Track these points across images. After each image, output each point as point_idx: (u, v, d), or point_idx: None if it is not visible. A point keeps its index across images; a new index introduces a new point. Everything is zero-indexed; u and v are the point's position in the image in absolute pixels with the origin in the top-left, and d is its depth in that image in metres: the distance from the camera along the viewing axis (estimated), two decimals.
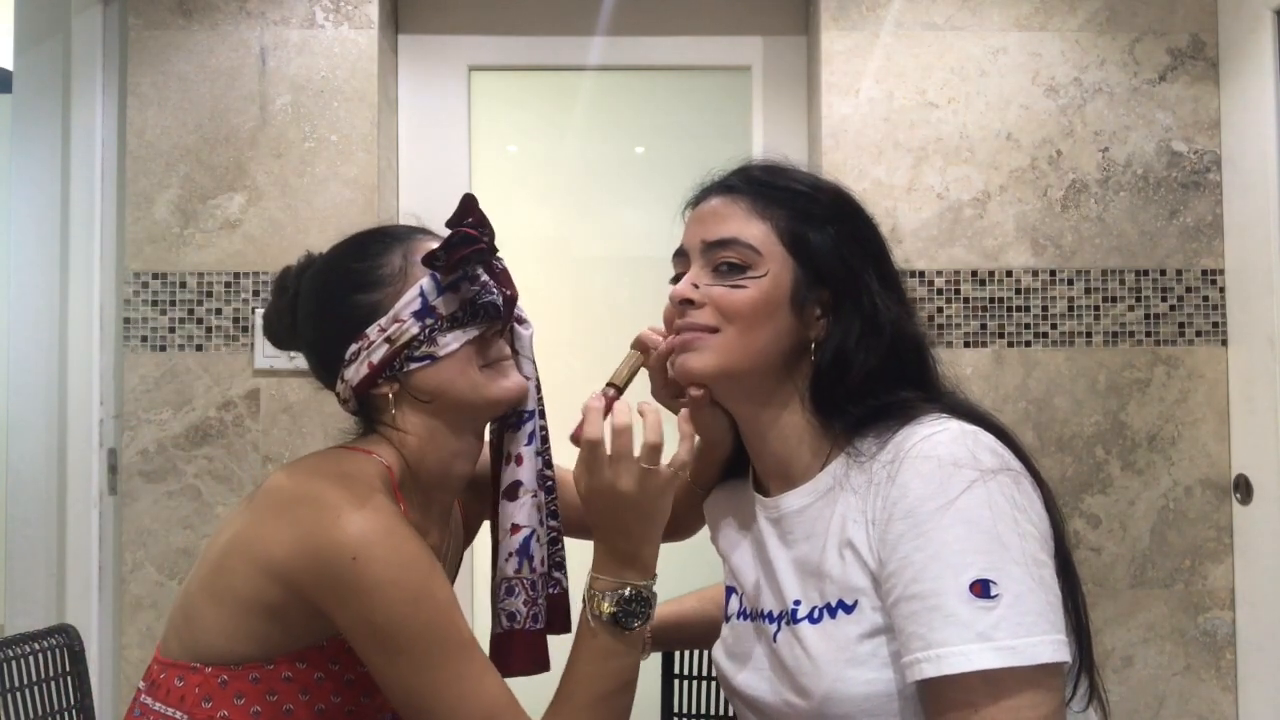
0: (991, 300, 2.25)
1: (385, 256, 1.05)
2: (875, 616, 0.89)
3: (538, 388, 1.18)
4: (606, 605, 0.98)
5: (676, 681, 1.74)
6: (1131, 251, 2.26)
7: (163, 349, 2.20)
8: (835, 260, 0.99)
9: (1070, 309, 2.25)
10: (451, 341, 1.03)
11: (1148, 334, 2.26)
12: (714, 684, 1.69)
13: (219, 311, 2.19)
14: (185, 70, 2.22)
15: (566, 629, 1.14)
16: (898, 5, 2.27)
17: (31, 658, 1.57)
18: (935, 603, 0.83)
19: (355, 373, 1.04)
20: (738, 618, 1.07)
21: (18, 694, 1.54)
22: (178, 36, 2.22)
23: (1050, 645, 0.81)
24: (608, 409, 0.99)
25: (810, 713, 0.91)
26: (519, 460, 1.11)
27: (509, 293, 1.08)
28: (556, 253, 2.53)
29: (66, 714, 1.60)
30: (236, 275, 2.19)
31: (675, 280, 1.04)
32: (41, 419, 2.26)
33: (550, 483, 1.16)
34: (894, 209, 2.24)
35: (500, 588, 1.10)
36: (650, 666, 1.80)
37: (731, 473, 1.14)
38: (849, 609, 0.91)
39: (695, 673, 1.74)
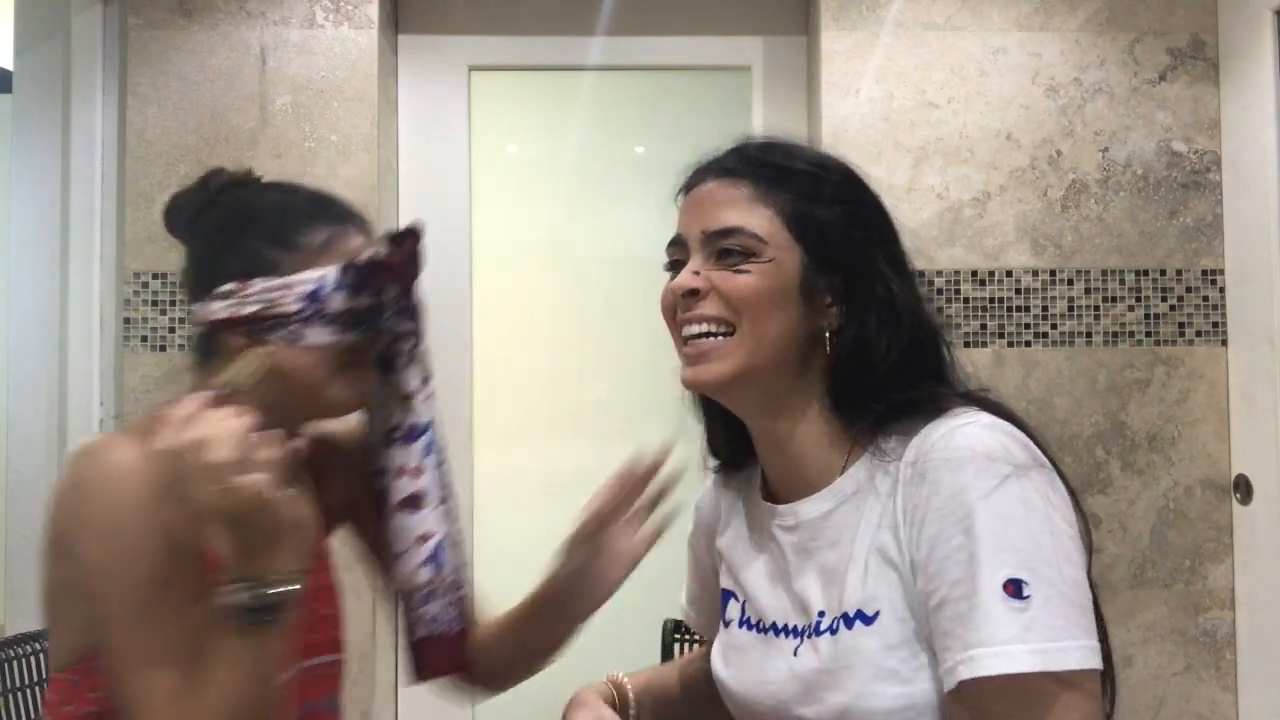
0: (991, 300, 2.25)
1: (313, 227, 1.03)
2: (899, 629, 0.86)
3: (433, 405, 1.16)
4: (232, 600, 0.88)
5: None
6: (1131, 251, 2.26)
7: (163, 349, 2.20)
8: (845, 244, 0.93)
9: (1070, 309, 2.25)
10: (321, 336, 0.99)
11: (1148, 334, 2.26)
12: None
13: None
14: (185, 70, 2.22)
15: (472, 630, 1.19)
16: (898, 5, 2.27)
17: (32, 658, 1.58)
18: (973, 602, 0.80)
19: (220, 309, 1.00)
20: (740, 626, 1.02)
21: (18, 694, 1.55)
22: (178, 36, 2.22)
23: (1079, 651, 0.79)
24: (199, 408, 0.86)
25: None
26: (418, 472, 1.11)
27: (410, 327, 1.06)
28: (556, 253, 2.52)
29: None
30: None
31: (670, 267, 0.99)
32: (41, 419, 2.26)
33: (450, 490, 1.16)
34: (894, 209, 2.22)
35: (415, 596, 1.12)
36: (649, 665, 1.80)
37: (731, 461, 1.09)
38: (869, 620, 0.87)
39: None
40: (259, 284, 0.99)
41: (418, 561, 1.11)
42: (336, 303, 0.99)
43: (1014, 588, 0.79)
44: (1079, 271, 2.26)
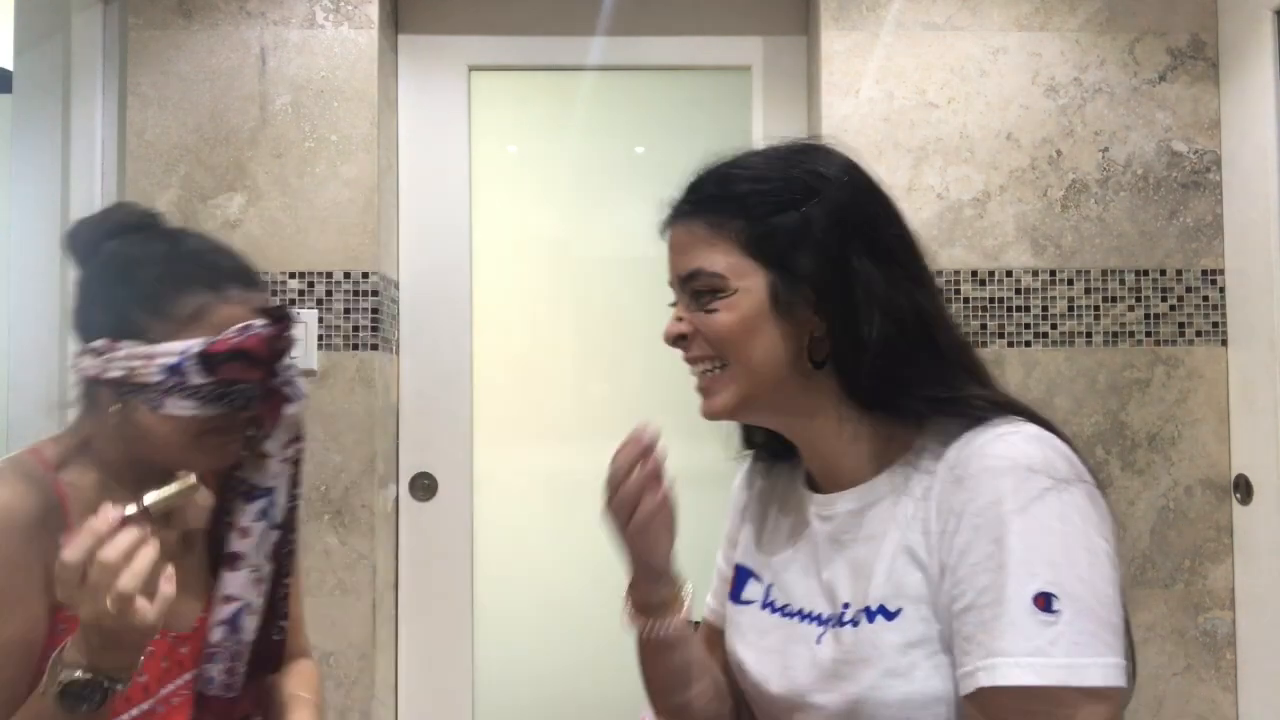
0: (991, 300, 2.25)
1: (185, 295, 1.02)
2: (920, 627, 0.86)
3: (297, 468, 1.16)
4: (64, 677, 0.91)
5: None
6: (1131, 251, 2.26)
7: None
8: (806, 252, 0.92)
9: (1070, 309, 2.25)
10: (180, 408, 1.00)
11: (1148, 334, 2.25)
12: None
13: None
14: (185, 70, 2.22)
15: (278, 668, 1.21)
16: (898, 5, 2.27)
17: None
18: (1000, 611, 0.80)
19: (90, 366, 1.03)
20: (763, 608, 1.03)
21: None
22: (178, 36, 2.22)
23: (1102, 668, 0.78)
24: (115, 531, 0.88)
25: (835, 713, 0.90)
26: (245, 532, 1.11)
27: (277, 402, 1.06)
28: (556, 253, 2.52)
29: None
30: None
31: (674, 304, 1.01)
32: (42, 419, 2.25)
33: (280, 561, 1.15)
34: None
35: (203, 650, 1.11)
36: None
37: (769, 454, 1.10)
38: (890, 615, 0.88)
39: None
40: (125, 348, 1.01)
41: (215, 619, 1.11)
42: (195, 379, 1.00)
43: (1044, 601, 0.79)
44: (1079, 271, 2.26)
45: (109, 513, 0.89)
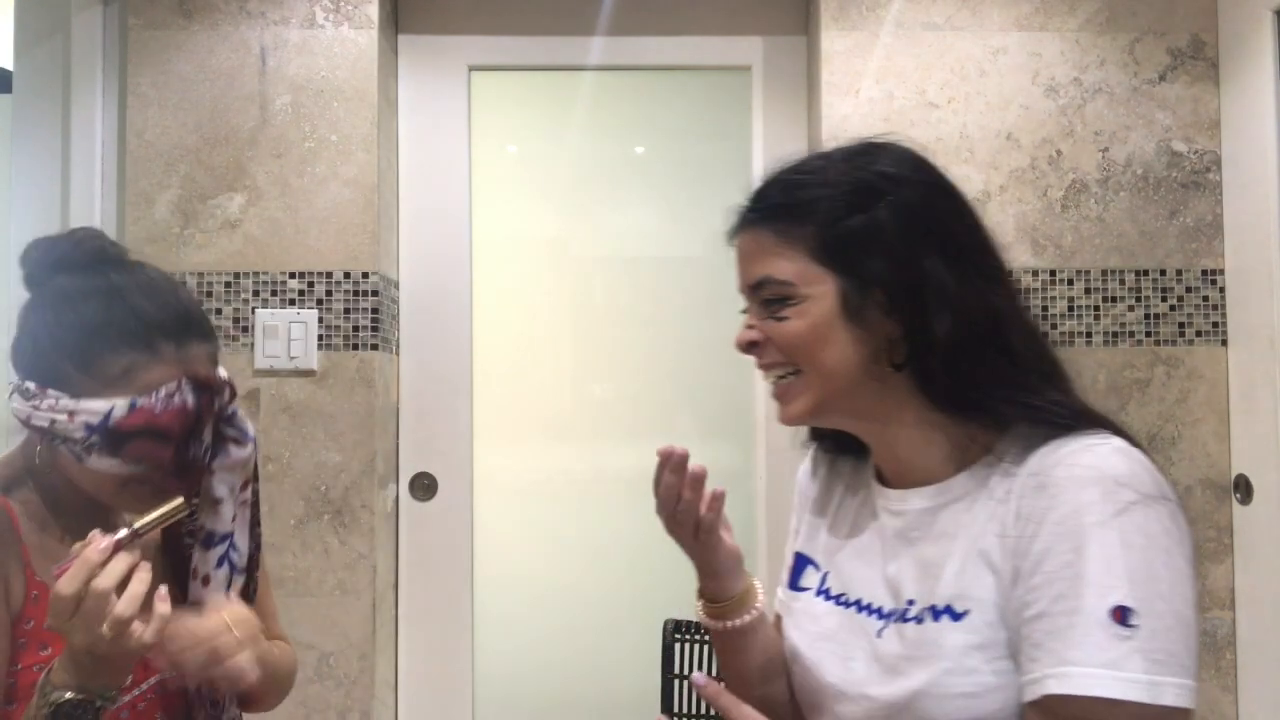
0: None
1: (119, 353, 0.99)
2: (986, 631, 0.86)
3: (254, 509, 1.15)
4: (54, 698, 0.92)
5: (676, 682, 1.74)
6: (1131, 251, 2.26)
7: None
8: (876, 256, 0.91)
9: (1070, 309, 2.25)
10: (103, 464, 0.99)
11: (1148, 334, 2.26)
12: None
13: (219, 311, 2.19)
14: (185, 70, 2.22)
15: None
16: (898, 5, 2.27)
17: None
18: (1075, 620, 0.80)
19: (19, 408, 1.02)
20: (818, 595, 1.03)
21: None
22: (178, 36, 2.22)
23: (1175, 689, 0.78)
24: (107, 558, 0.89)
25: (889, 706, 0.89)
26: (206, 580, 1.11)
27: (184, 490, 1.03)
28: (556, 253, 2.53)
29: None
30: (236, 275, 2.19)
31: (746, 311, 1.02)
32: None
33: (251, 599, 1.15)
34: None
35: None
36: (649, 665, 1.81)
37: (837, 449, 1.09)
38: (957, 616, 0.87)
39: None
40: (51, 398, 0.99)
41: None
42: (116, 440, 0.99)
43: (1121, 615, 0.79)
44: (1079, 271, 2.26)
45: (100, 541, 0.89)
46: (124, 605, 0.87)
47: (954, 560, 0.90)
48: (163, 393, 1.00)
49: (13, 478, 1.07)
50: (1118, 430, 0.90)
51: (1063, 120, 2.26)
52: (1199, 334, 2.26)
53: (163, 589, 0.91)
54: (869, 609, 0.97)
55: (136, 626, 0.88)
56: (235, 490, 1.10)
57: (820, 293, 0.93)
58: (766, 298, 0.96)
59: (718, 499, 1.02)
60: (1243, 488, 2.19)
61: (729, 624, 1.05)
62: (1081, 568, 0.81)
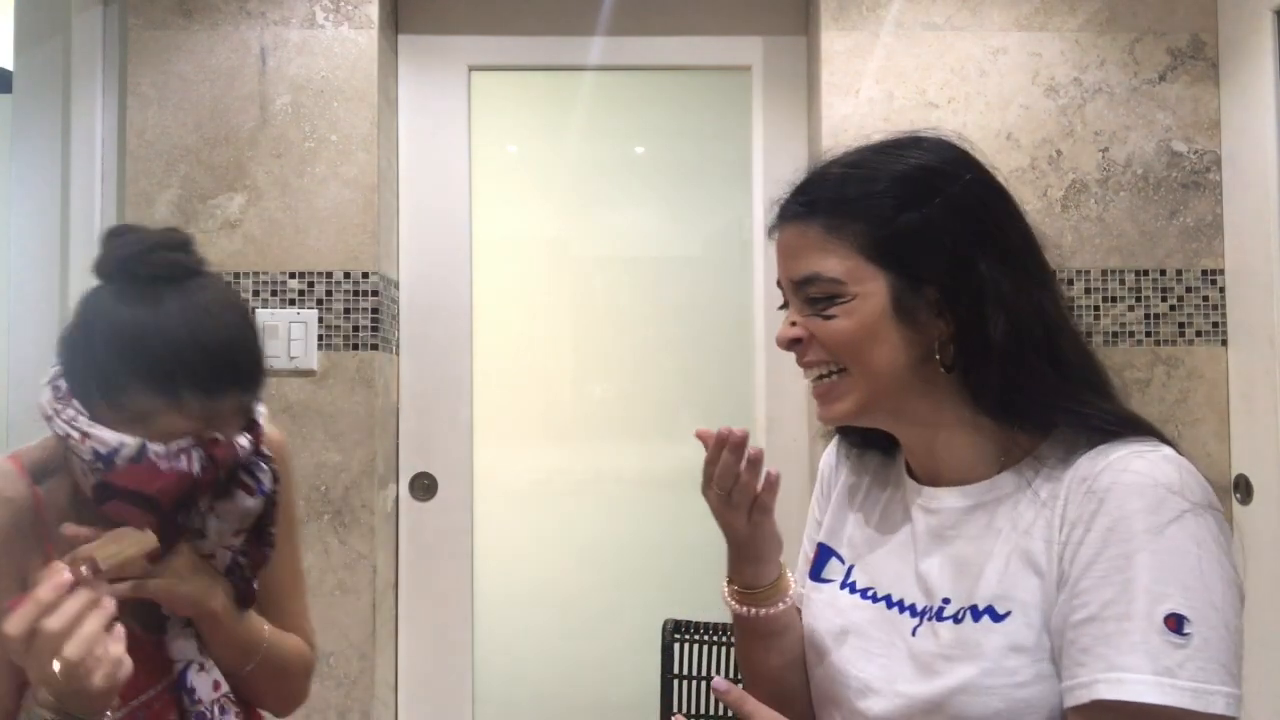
0: None
1: (143, 393, 0.96)
2: (1027, 633, 0.85)
3: (272, 505, 1.10)
4: (34, 715, 0.91)
5: (676, 682, 1.74)
6: (1131, 251, 2.26)
7: None
8: (931, 255, 0.89)
9: (1070, 309, 2.25)
10: (105, 496, 0.98)
11: (1148, 334, 2.26)
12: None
13: None
14: (185, 70, 2.22)
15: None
16: (898, 5, 2.27)
17: None
18: (1127, 626, 0.79)
19: (45, 404, 1.01)
20: (843, 588, 1.01)
21: None
22: (178, 36, 2.22)
23: (1225, 698, 0.79)
24: (64, 592, 0.85)
25: (925, 704, 0.89)
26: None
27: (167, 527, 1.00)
28: (556, 253, 2.52)
29: None
30: (236, 275, 2.19)
31: (784, 307, 0.99)
32: (42, 419, 2.25)
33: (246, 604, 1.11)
34: None
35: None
36: (650, 666, 1.81)
37: (870, 440, 1.07)
38: (998, 617, 0.87)
39: (695, 673, 1.74)
40: (72, 411, 0.98)
41: (171, 682, 1.07)
42: (106, 490, 0.96)
43: (1175, 622, 0.79)
44: (1079, 271, 2.26)
45: (56, 576, 0.85)
46: (73, 648, 0.83)
47: (995, 561, 0.89)
48: (173, 448, 0.96)
49: (47, 464, 1.05)
50: (1162, 437, 0.90)
51: (1063, 120, 2.26)
52: (1199, 334, 2.26)
53: (119, 629, 0.87)
54: (900, 605, 0.95)
55: (89, 670, 0.84)
56: (224, 535, 1.06)
57: (870, 290, 0.90)
58: (813, 295, 0.93)
59: (775, 480, 0.99)
60: (1243, 488, 2.19)
61: (760, 612, 1.02)
62: (1133, 574, 0.80)
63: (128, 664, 0.88)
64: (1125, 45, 2.27)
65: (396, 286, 2.39)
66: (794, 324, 0.95)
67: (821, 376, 0.95)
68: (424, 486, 2.41)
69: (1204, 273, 2.26)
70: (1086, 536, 0.83)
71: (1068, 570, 0.84)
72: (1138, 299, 2.26)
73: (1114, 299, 2.25)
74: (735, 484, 0.98)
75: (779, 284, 0.98)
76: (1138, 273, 2.26)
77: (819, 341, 0.93)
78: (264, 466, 1.07)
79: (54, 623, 0.83)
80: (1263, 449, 2.13)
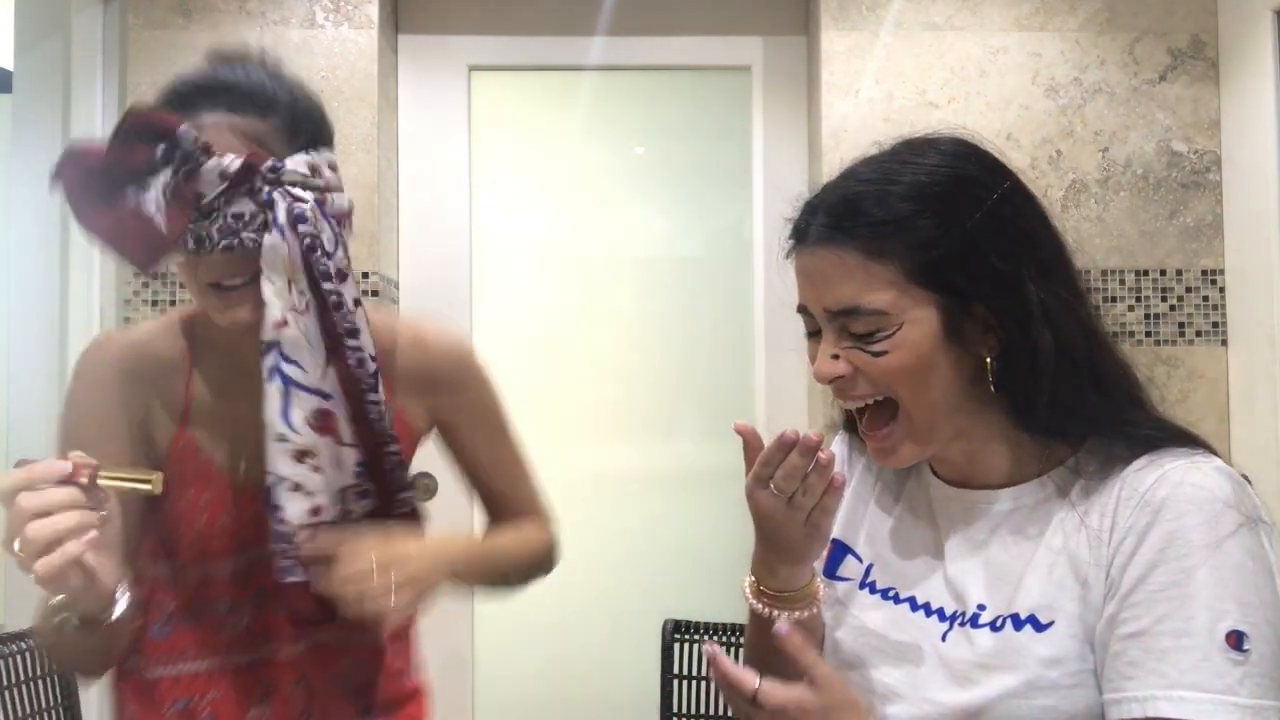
0: None
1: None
2: (1069, 644, 0.84)
3: (338, 313, 1.04)
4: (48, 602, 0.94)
5: (676, 682, 1.74)
6: (1131, 251, 2.26)
7: None
8: (974, 271, 0.86)
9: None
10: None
11: (1148, 334, 2.25)
12: (714, 683, 1.68)
13: None
14: (185, 70, 2.22)
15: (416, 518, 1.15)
16: (898, 5, 2.27)
17: (18, 656, 1.58)
18: (1188, 643, 0.78)
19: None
20: (863, 588, 0.99)
21: (5, 693, 1.55)
22: (178, 36, 2.22)
23: (1278, 714, 0.78)
24: (45, 479, 0.87)
25: (959, 713, 0.87)
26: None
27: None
28: (556, 253, 2.52)
29: (52, 713, 1.61)
30: None
31: (809, 335, 0.93)
32: (42, 419, 2.25)
33: (328, 428, 1.04)
34: None
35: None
36: (650, 666, 1.81)
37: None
38: (1041, 627, 0.85)
39: (695, 673, 1.74)
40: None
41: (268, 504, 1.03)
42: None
43: (1235, 639, 0.78)
44: (1079, 272, 2.26)
45: (57, 463, 0.87)
46: (34, 529, 0.84)
47: (1035, 569, 0.87)
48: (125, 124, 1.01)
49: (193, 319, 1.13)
50: (1211, 448, 0.88)
51: (1063, 120, 2.26)
52: (1199, 334, 2.26)
53: (92, 533, 0.86)
54: (927, 609, 0.93)
55: (42, 564, 0.84)
56: (282, 291, 1.00)
57: (918, 317, 0.86)
58: (855, 330, 0.87)
59: (842, 484, 0.92)
60: None
61: (792, 615, 0.96)
62: (1193, 589, 0.79)
63: (88, 571, 0.88)
64: (1125, 45, 2.27)
65: (396, 286, 2.39)
66: (835, 356, 0.89)
67: (864, 409, 0.91)
68: (424, 487, 2.41)
69: (1204, 273, 2.26)
70: (1140, 548, 0.82)
71: (1118, 581, 0.83)
72: (1138, 299, 2.26)
73: (1114, 299, 2.25)
74: (801, 486, 0.91)
75: (802, 309, 0.93)
76: (1138, 273, 2.26)
77: (866, 376, 0.89)
78: (284, 199, 1.01)
79: (28, 501, 0.85)
80: (1263, 449, 2.13)
